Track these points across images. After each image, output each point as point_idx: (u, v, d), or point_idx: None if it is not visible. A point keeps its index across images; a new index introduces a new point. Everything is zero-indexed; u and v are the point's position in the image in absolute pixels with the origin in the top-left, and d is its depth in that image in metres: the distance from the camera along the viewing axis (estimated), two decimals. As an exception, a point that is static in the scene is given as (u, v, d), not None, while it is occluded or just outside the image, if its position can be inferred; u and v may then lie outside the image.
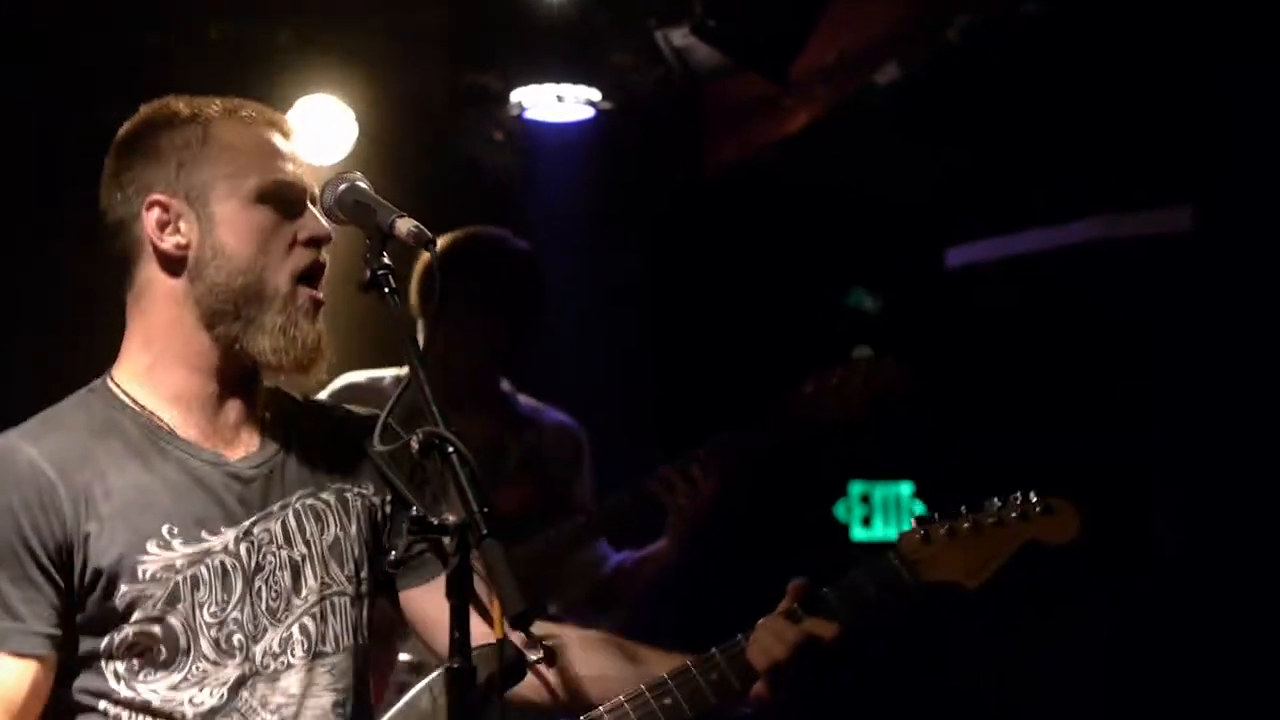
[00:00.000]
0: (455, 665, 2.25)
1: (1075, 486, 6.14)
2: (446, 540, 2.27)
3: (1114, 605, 6.31)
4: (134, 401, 2.66)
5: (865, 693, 6.34)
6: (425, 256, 4.17)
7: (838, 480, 7.08)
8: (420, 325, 4.41)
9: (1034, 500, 2.92)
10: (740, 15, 5.36)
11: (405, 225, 2.51)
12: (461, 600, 2.27)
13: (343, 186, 2.64)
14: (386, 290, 2.52)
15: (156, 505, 2.61)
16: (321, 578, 2.69)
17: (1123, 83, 5.85)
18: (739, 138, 6.30)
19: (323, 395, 4.20)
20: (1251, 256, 5.81)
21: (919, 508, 7.09)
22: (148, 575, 2.57)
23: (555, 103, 5.82)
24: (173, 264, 2.64)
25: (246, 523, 2.65)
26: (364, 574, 2.73)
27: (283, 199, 2.65)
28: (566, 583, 4.83)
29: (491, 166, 6.30)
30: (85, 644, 2.59)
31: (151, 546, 2.59)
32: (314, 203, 2.69)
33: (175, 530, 2.60)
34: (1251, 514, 5.89)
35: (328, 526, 2.72)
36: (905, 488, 7.14)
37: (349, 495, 2.74)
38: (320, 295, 2.67)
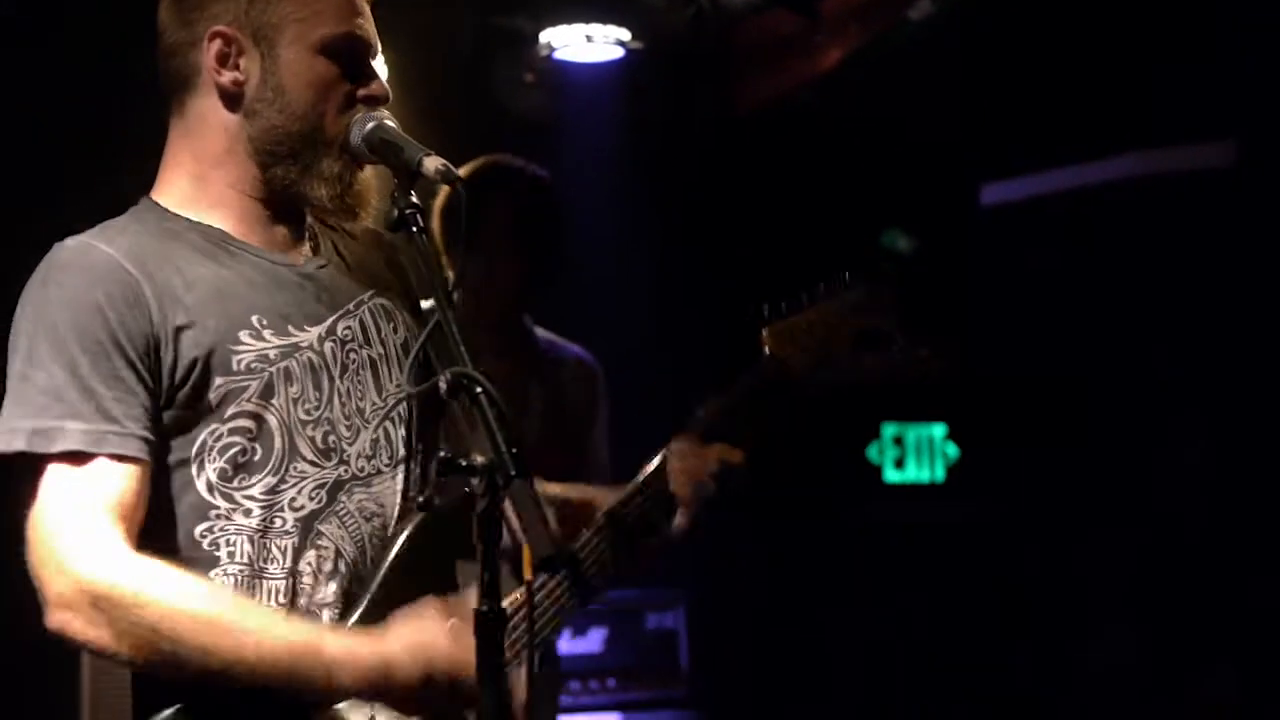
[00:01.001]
0: (484, 609, 2.22)
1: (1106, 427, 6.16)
2: (475, 481, 2.22)
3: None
4: (184, 217, 2.64)
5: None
6: (445, 191, 4.19)
7: (871, 422, 7.05)
8: (445, 263, 4.37)
9: (861, 284, 3.01)
10: (771, -48, 5.30)
11: (433, 163, 2.47)
12: (490, 544, 2.23)
13: (370, 124, 2.61)
14: (415, 229, 2.48)
15: (242, 296, 2.58)
16: (398, 379, 2.69)
17: (1161, 15, 5.77)
18: (771, 76, 6.24)
19: None
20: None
21: (952, 450, 7.06)
22: (242, 366, 2.54)
23: (585, 43, 5.77)
24: (229, 99, 2.62)
25: (330, 320, 2.65)
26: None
27: (350, 54, 2.64)
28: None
29: (522, 108, 6.25)
30: (176, 452, 2.54)
31: (244, 336, 2.56)
32: (375, 58, 2.68)
33: (265, 321, 2.58)
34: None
35: (398, 326, 2.74)
36: (938, 429, 7.11)
37: (403, 298, 2.78)
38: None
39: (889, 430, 7.05)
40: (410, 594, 2.59)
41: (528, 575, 2.21)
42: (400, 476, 2.68)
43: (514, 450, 2.20)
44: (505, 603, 2.27)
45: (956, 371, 4.51)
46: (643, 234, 6.33)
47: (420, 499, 2.49)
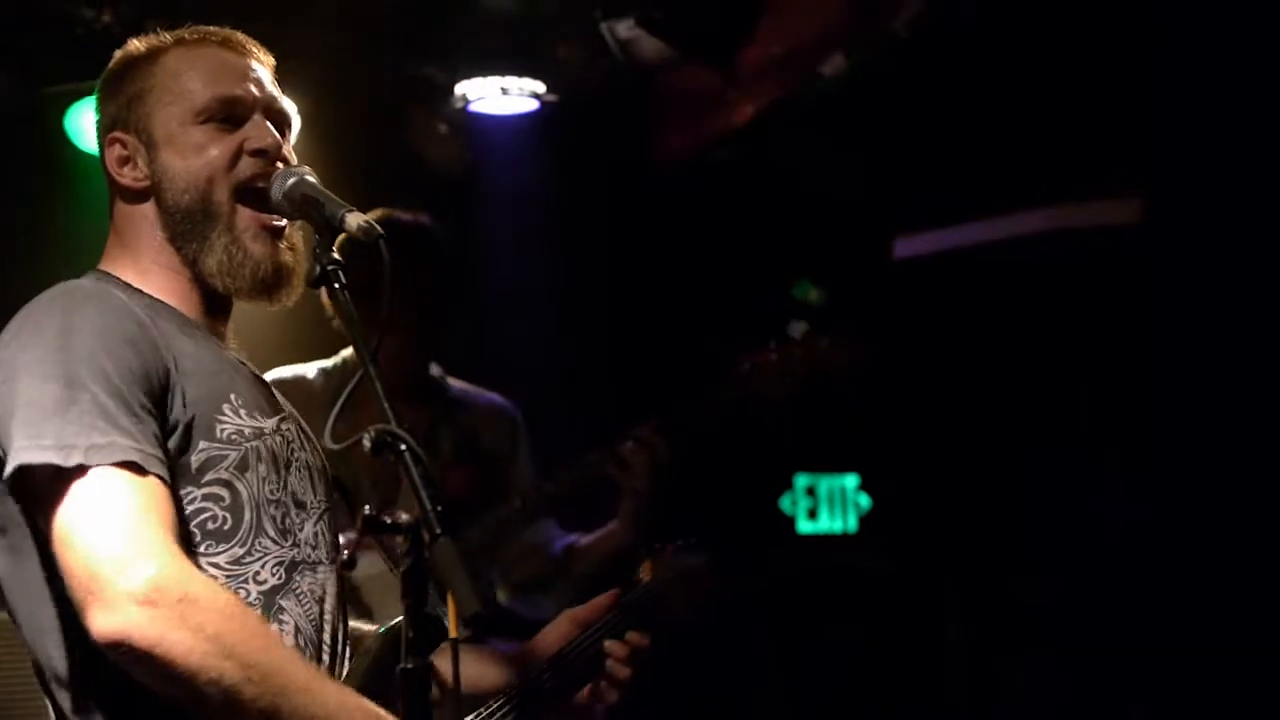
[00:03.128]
0: (409, 666, 2.21)
1: (1018, 475, 6.23)
2: (400, 539, 2.22)
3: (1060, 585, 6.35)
4: (147, 295, 2.67)
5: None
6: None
7: (783, 473, 7.07)
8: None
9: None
10: (686, 7, 5.33)
11: (355, 220, 2.50)
12: (416, 600, 2.23)
13: (291, 180, 2.64)
14: (336, 286, 2.50)
15: (221, 374, 2.63)
16: (320, 490, 2.74)
17: (1070, 73, 5.86)
18: (685, 130, 6.28)
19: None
20: (1201, 248, 5.83)
21: (864, 500, 7.10)
22: (224, 436, 2.57)
23: (500, 95, 5.78)
24: (137, 195, 2.69)
25: (275, 418, 2.69)
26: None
27: (225, 113, 2.68)
28: (512, 565, 4.82)
29: (436, 159, 6.26)
30: None
31: (226, 409, 2.59)
32: (272, 116, 2.72)
33: (240, 401, 2.62)
34: (1207, 506, 5.92)
35: (316, 449, 2.78)
36: (851, 480, 7.14)
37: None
38: (268, 221, 2.67)
39: (801, 481, 7.08)
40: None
41: (454, 634, 2.21)
42: (334, 573, 2.72)
43: (439, 507, 2.20)
44: None
45: (859, 360, 4.62)
46: (556, 282, 6.34)
47: (345, 557, 2.48)
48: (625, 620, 3.09)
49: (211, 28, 2.77)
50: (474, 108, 5.85)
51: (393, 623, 2.69)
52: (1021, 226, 6.26)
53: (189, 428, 2.53)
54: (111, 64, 2.78)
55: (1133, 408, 6.21)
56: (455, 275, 4.79)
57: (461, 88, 5.79)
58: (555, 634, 3.10)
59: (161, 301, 2.67)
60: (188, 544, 2.50)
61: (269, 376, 4.59)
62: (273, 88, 2.76)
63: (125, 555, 2.34)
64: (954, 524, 6.59)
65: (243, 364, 2.73)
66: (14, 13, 5.50)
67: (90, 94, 5.59)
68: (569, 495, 4.79)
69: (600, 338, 6.55)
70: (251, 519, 2.57)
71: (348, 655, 2.72)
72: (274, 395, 2.77)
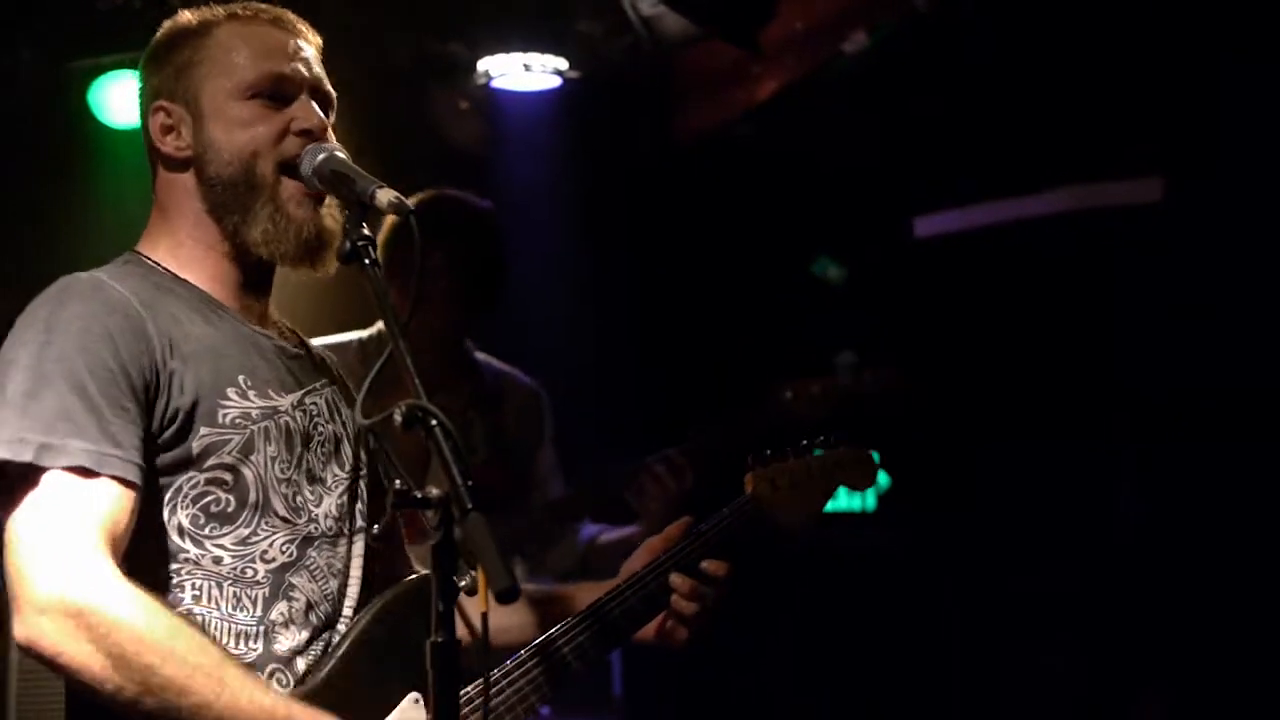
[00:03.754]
0: (440, 639, 2.23)
1: (1037, 456, 6.23)
2: (429, 514, 2.23)
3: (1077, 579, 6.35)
4: (171, 273, 2.71)
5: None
6: (388, 222, 4.25)
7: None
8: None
9: (842, 448, 3.25)
10: (710, -17, 5.33)
11: (385, 195, 2.50)
12: (445, 574, 2.24)
13: (321, 156, 2.66)
14: (367, 261, 2.51)
15: (230, 356, 2.66)
16: (355, 457, 2.78)
17: (1093, 52, 5.84)
18: (708, 107, 6.27)
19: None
20: (1222, 227, 5.82)
21: (883, 478, 7.10)
22: (227, 420, 2.60)
23: (522, 72, 5.77)
24: (179, 165, 2.74)
25: (300, 392, 2.73)
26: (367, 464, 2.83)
27: (272, 91, 2.72)
28: (547, 561, 4.84)
29: (458, 136, 6.26)
30: (150, 492, 2.56)
31: (231, 392, 2.62)
32: (318, 96, 2.75)
33: (249, 382, 2.65)
34: (1219, 493, 5.92)
35: (348, 418, 2.82)
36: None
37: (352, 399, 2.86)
38: (311, 190, 2.70)
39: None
40: (379, 664, 2.67)
41: (482, 607, 2.22)
42: (359, 544, 2.76)
43: (470, 483, 2.21)
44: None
45: (902, 396, 4.63)
46: (578, 261, 6.35)
47: (375, 530, 2.50)
48: (699, 550, 3.03)
49: (263, 4, 2.80)
50: (496, 84, 5.83)
51: (384, 597, 2.74)
52: (1042, 206, 6.25)
53: (189, 414, 2.57)
54: (160, 34, 2.80)
55: (1148, 390, 6.21)
56: (504, 254, 4.79)
57: (484, 64, 5.78)
58: (632, 566, 3.06)
59: (185, 280, 2.71)
60: (195, 525, 2.56)
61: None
62: (319, 68, 2.79)
63: (45, 565, 2.41)
64: (970, 504, 6.60)
65: (268, 338, 2.76)
66: (38, -11, 5.52)
67: (114, 69, 5.65)
68: (592, 505, 4.84)
69: (622, 314, 6.56)
70: (258, 499, 2.62)
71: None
72: (309, 367, 2.81)
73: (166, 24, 2.81)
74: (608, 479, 4.82)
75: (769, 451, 3.17)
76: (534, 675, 2.82)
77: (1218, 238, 5.84)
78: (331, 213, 2.73)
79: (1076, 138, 6.09)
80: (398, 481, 2.27)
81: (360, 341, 4.64)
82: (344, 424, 2.80)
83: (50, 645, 2.41)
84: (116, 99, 5.65)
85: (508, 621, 2.97)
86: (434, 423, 2.27)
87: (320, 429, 2.74)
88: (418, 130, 6.15)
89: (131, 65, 5.53)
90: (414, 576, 2.82)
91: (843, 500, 7.09)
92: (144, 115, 2.79)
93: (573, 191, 6.28)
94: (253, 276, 2.76)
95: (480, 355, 4.89)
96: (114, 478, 2.48)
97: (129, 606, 2.42)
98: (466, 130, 6.21)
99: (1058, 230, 6.24)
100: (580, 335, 6.29)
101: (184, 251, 2.73)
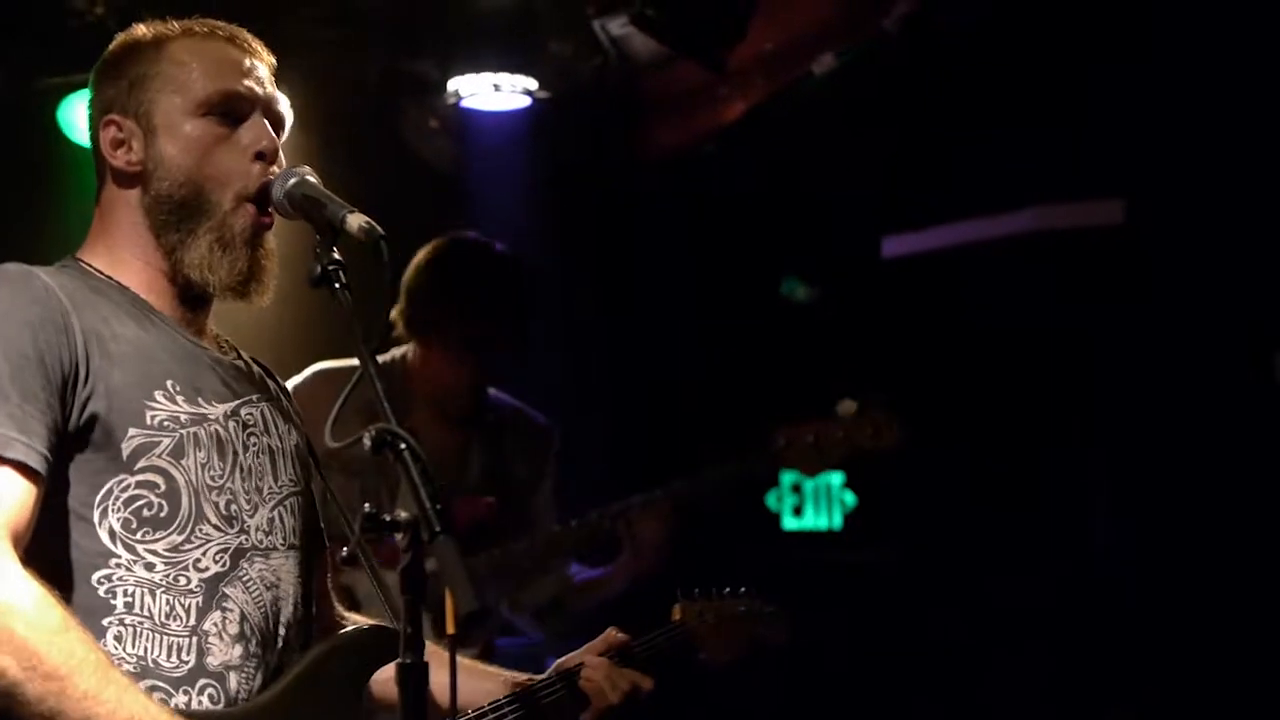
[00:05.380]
0: (407, 661, 2.24)
1: (1008, 476, 6.26)
2: (398, 536, 2.25)
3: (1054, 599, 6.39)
4: (108, 278, 2.71)
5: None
6: (414, 274, 4.49)
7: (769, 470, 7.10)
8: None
9: (767, 608, 3.45)
10: (679, 4, 5.34)
11: (356, 221, 2.51)
12: (413, 596, 2.26)
13: (292, 180, 2.66)
14: (337, 285, 2.51)
15: (160, 360, 2.65)
16: (291, 472, 2.78)
17: (1057, 73, 5.89)
18: (676, 127, 6.30)
19: (294, 382, 4.21)
20: (1183, 249, 5.88)
21: (849, 498, 7.13)
22: (156, 422, 2.59)
23: (492, 91, 5.79)
24: (127, 179, 2.73)
25: (234, 403, 2.72)
26: (305, 485, 2.83)
27: (225, 108, 2.72)
28: (523, 593, 4.84)
29: (428, 155, 6.27)
30: (79, 497, 2.55)
31: (158, 395, 2.61)
32: (270, 116, 2.75)
33: (178, 387, 2.64)
34: (1190, 508, 5.96)
35: (291, 430, 2.82)
36: (836, 477, 7.17)
37: (294, 419, 2.87)
38: (266, 219, 2.71)
39: (788, 478, 7.12)
40: (317, 700, 2.67)
41: (451, 630, 2.23)
42: (294, 559, 2.75)
43: (438, 506, 2.23)
44: None
45: (898, 447, 4.62)
46: (546, 281, 6.35)
47: (344, 555, 2.51)
48: (633, 663, 3.15)
49: (218, 22, 2.80)
50: (466, 104, 5.85)
51: (334, 638, 2.76)
52: (1007, 227, 6.29)
53: (112, 413, 2.56)
54: (113, 46, 2.80)
55: (1116, 407, 6.25)
56: (523, 298, 4.74)
57: (454, 84, 5.80)
58: (564, 665, 3.13)
59: (122, 286, 2.70)
60: (126, 529, 2.55)
61: (316, 368, 4.64)
62: (272, 88, 2.79)
63: None
64: (937, 523, 6.63)
65: (203, 349, 2.74)
66: (6, 6, 5.51)
67: (83, 87, 5.62)
68: (578, 544, 4.83)
69: (592, 335, 6.58)
70: (190, 505, 2.60)
71: (308, 642, 2.77)
72: (245, 380, 2.79)
73: (120, 36, 2.80)
74: (587, 524, 4.81)
75: (696, 590, 3.36)
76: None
77: (1178, 259, 5.90)
78: (268, 247, 2.74)
79: (1040, 160, 6.14)
80: (367, 504, 2.27)
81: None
82: (281, 438, 2.79)
83: None
84: (85, 117, 5.65)
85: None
86: (403, 446, 2.29)
87: (255, 441, 2.73)
88: (387, 148, 6.16)
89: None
90: (369, 625, 2.82)
91: (809, 519, 7.14)
92: (94, 127, 2.78)
93: (541, 210, 6.29)
94: (188, 293, 2.74)
95: (496, 394, 4.88)
96: (14, 464, 2.46)
97: (22, 596, 2.40)
98: (435, 148, 6.22)
99: (1022, 251, 6.29)
100: (547, 354, 6.29)
101: (124, 267, 2.72)
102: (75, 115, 5.66)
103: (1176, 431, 5.97)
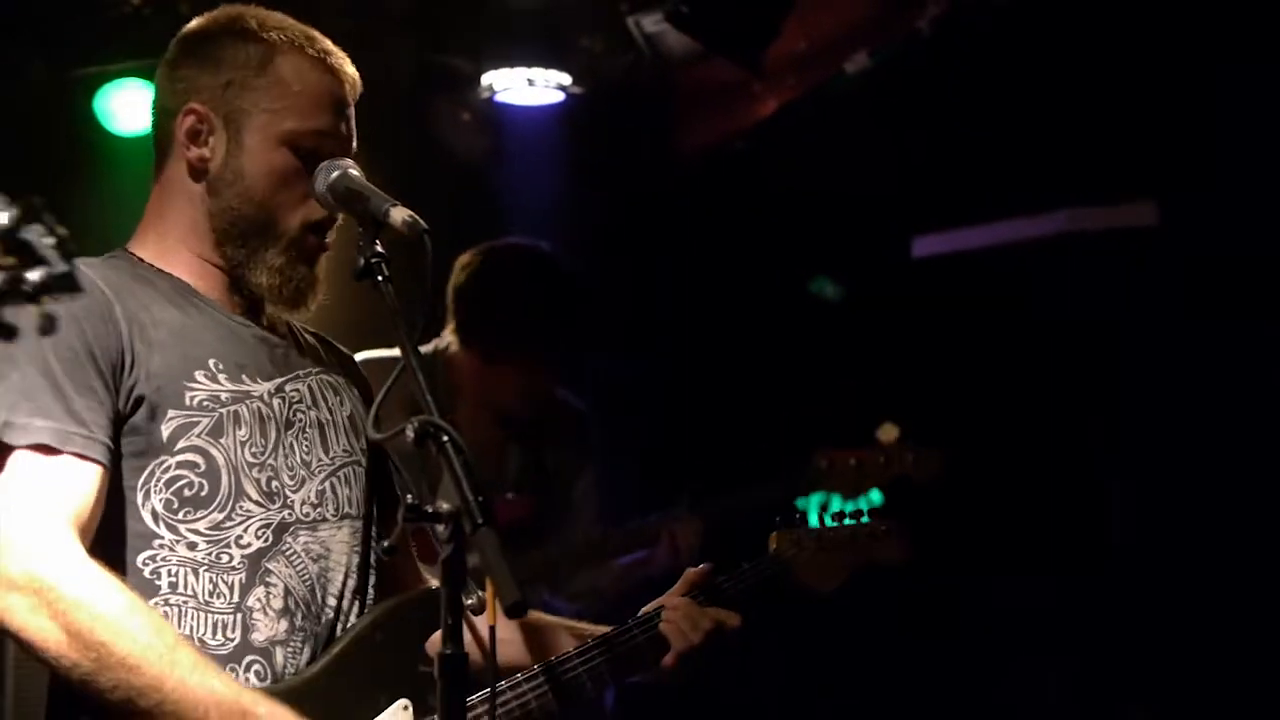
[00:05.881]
0: (449, 651, 2.26)
1: (1028, 477, 6.26)
2: (440, 528, 2.27)
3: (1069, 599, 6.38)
4: (154, 267, 2.73)
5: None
6: (461, 274, 4.43)
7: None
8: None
9: (880, 524, 3.28)
10: (715, 2, 5.35)
11: (400, 215, 2.53)
12: (454, 588, 2.28)
13: (335, 173, 2.69)
14: (380, 278, 2.53)
15: (201, 341, 2.67)
16: (344, 444, 2.79)
17: (1091, 75, 5.88)
18: (708, 124, 6.30)
19: None
20: (1216, 251, 5.86)
21: (876, 495, 7.12)
22: (195, 403, 2.62)
23: (526, 86, 5.80)
24: (195, 173, 2.74)
25: (280, 379, 2.75)
26: (368, 454, 2.83)
27: (314, 150, 2.72)
28: (564, 584, 4.86)
29: (459, 148, 6.28)
30: (124, 478, 2.58)
31: (199, 375, 2.64)
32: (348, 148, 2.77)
33: (220, 365, 2.67)
34: (1211, 509, 5.96)
35: (344, 401, 2.84)
36: (865, 474, 7.16)
37: (352, 388, 2.88)
38: (328, 243, 2.75)
39: (815, 474, 7.11)
40: (370, 669, 2.69)
41: (491, 621, 2.25)
42: (347, 530, 2.77)
43: (480, 498, 2.25)
44: None
45: (939, 475, 4.60)
46: (577, 274, 6.36)
47: (385, 545, 2.53)
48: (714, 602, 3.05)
49: (327, 43, 2.79)
50: (500, 98, 5.86)
51: (385, 603, 2.77)
52: (1039, 228, 6.28)
53: (156, 400, 2.59)
54: (212, 25, 2.77)
55: (1140, 411, 6.24)
56: (576, 301, 4.73)
57: (488, 78, 5.81)
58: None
59: (166, 273, 2.73)
60: (168, 509, 2.58)
61: (359, 357, 4.69)
62: (353, 120, 2.80)
63: (10, 543, 2.44)
64: (967, 521, 6.62)
65: (247, 326, 2.76)
66: (45, -4, 5.55)
67: (121, 76, 5.67)
68: (614, 554, 4.85)
69: (621, 330, 6.58)
70: (230, 483, 2.63)
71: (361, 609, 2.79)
72: (294, 355, 2.81)
73: (226, 13, 2.78)
74: (635, 529, 4.82)
75: (798, 515, 3.22)
76: (543, 692, 2.84)
77: (1212, 260, 5.89)
78: (322, 267, 2.77)
79: (1073, 161, 6.13)
80: (409, 496, 2.30)
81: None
82: (332, 410, 2.80)
83: (13, 621, 2.44)
84: (123, 106, 5.68)
85: (508, 635, 2.97)
86: (445, 438, 2.30)
87: (301, 415, 2.75)
88: (417, 141, 6.17)
89: (139, 73, 5.63)
90: (420, 588, 2.85)
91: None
92: (168, 100, 2.76)
93: (570, 205, 6.31)
94: (238, 281, 2.77)
95: None
96: (77, 455, 2.50)
97: (88, 585, 2.44)
98: (466, 140, 6.24)
99: (1053, 252, 6.28)
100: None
101: (169, 251, 2.75)
102: (113, 104, 5.70)
103: (1202, 433, 5.96)
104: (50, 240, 1.69)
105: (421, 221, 2.52)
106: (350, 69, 2.80)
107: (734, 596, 3.04)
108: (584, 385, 5.24)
